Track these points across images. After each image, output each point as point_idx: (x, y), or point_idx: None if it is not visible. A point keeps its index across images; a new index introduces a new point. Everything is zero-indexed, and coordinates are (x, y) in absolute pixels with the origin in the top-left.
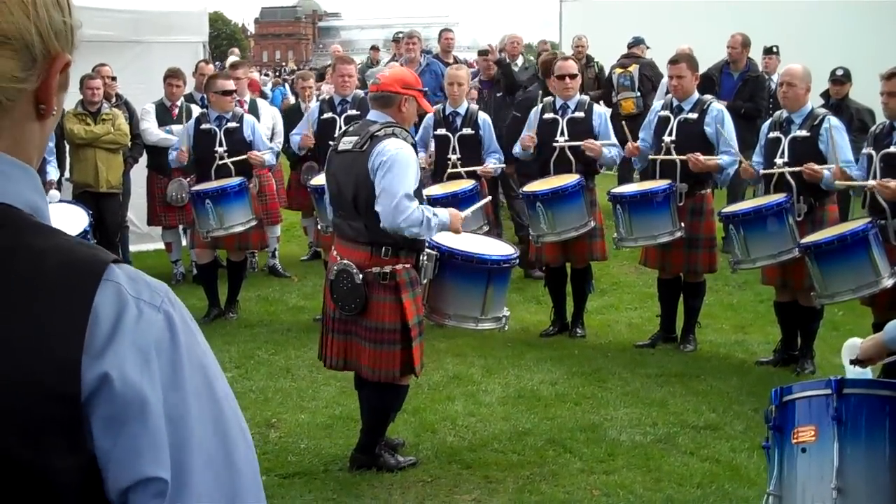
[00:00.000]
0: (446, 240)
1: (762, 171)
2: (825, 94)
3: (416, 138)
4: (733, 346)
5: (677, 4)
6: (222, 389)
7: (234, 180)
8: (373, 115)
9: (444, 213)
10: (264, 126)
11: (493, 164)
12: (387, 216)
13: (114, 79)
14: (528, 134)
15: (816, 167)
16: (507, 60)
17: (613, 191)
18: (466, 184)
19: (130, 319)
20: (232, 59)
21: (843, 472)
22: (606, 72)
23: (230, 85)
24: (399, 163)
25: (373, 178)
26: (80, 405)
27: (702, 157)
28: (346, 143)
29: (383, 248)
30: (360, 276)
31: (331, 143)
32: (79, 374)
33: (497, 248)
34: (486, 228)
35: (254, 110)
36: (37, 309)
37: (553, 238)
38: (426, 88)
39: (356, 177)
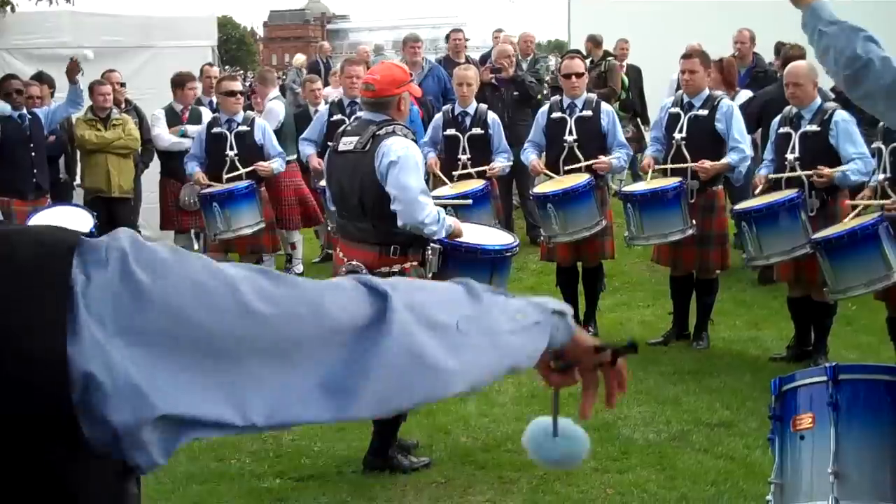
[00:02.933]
0: None
1: (772, 176)
2: (834, 89)
3: (426, 138)
4: (746, 342)
5: (686, 3)
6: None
7: (243, 183)
8: (369, 115)
9: (450, 217)
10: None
11: (500, 163)
12: (407, 215)
13: (122, 85)
14: (537, 165)
15: (827, 171)
16: (521, 77)
17: (624, 189)
18: (477, 184)
19: (81, 291)
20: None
21: (840, 457)
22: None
23: (235, 86)
24: (409, 161)
25: (381, 178)
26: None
27: (708, 164)
28: (347, 144)
29: (392, 248)
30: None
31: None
32: (66, 366)
33: (497, 237)
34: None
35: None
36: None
37: (565, 239)
38: (430, 97)
39: (361, 178)
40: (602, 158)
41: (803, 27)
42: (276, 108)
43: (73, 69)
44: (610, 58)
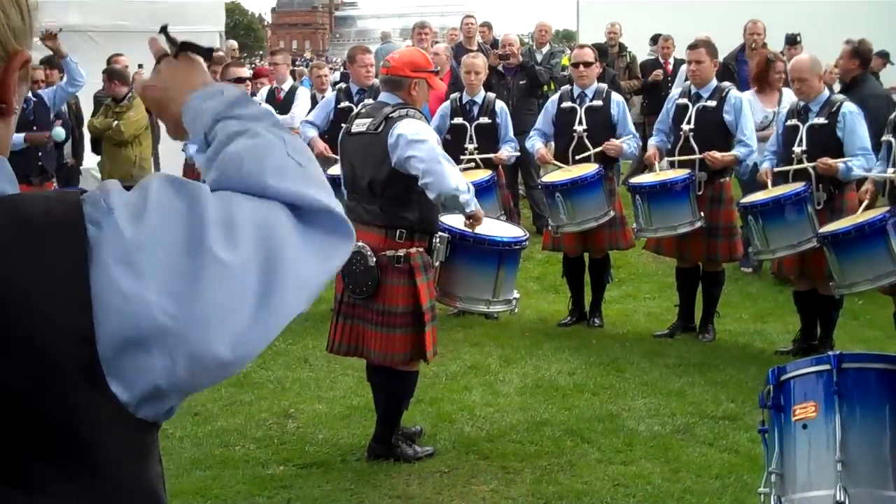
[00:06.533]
0: (457, 222)
1: (777, 169)
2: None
3: (432, 126)
4: (752, 335)
5: None
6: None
7: None
8: (384, 97)
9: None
10: (304, 110)
11: (507, 151)
12: (439, 183)
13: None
14: (545, 154)
15: (831, 161)
16: (531, 63)
17: (632, 181)
18: (483, 174)
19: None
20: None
21: (846, 445)
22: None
23: (243, 72)
24: (427, 134)
25: (392, 157)
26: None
27: (718, 155)
28: (360, 125)
29: (398, 232)
30: (374, 258)
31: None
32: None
33: (507, 230)
34: (503, 218)
35: (291, 96)
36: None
37: (573, 228)
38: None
39: (373, 159)
40: (613, 141)
41: None
42: (303, 97)
43: (54, 47)
44: (630, 50)
